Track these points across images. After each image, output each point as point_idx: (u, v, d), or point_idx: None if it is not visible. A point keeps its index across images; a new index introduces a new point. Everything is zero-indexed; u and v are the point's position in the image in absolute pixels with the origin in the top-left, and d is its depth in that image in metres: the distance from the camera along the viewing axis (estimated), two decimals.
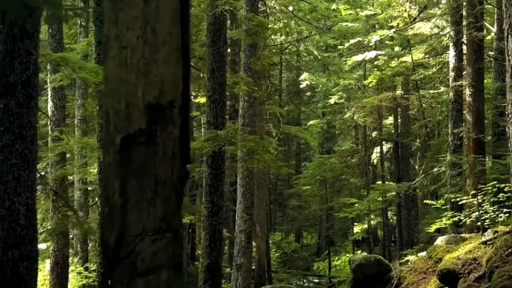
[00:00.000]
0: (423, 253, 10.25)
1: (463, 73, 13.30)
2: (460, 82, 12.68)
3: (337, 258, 27.68)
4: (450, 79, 13.04)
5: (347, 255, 27.13)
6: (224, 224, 20.68)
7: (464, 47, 13.16)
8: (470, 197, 9.79)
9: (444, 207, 10.61)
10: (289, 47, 25.04)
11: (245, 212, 13.69)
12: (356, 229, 24.87)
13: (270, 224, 32.94)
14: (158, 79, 2.20)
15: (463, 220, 10.11)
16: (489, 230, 7.30)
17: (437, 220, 10.37)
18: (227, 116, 21.40)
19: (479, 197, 9.82)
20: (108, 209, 2.24)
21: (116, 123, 2.21)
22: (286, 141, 35.06)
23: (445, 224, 9.57)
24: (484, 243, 6.49)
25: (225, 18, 8.65)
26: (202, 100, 14.85)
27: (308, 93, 34.91)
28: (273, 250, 28.88)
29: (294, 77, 31.84)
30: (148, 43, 2.19)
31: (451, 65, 12.97)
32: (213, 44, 8.60)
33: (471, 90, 12.32)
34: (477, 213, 10.02)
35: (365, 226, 23.91)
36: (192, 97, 11.11)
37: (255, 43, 13.70)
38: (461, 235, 9.61)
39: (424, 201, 12.68)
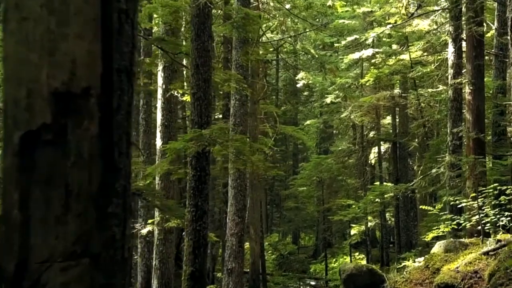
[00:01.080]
0: (421, 259, 9.76)
1: (463, 71, 12.81)
2: (460, 80, 12.18)
3: (334, 260, 27.20)
4: (449, 77, 12.54)
5: (345, 257, 26.67)
6: (215, 227, 20.27)
7: (464, 43, 12.67)
8: (470, 200, 9.29)
9: (443, 213, 10.10)
10: (286, 45, 24.59)
11: (237, 215, 13.18)
12: (354, 231, 24.36)
13: (267, 226, 32.50)
14: (68, 59, 1.70)
15: (463, 224, 9.61)
16: (491, 239, 6.79)
17: (434, 228, 9.87)
18: (220, 116, 21.02)
19: (479, 200, 9.34)
20: (5, 228, 1.74)
21: (15, 116, 1.71)
22: (283, 141, 34.63)
23: (443, 232, 9.06)
24: (486, 253, 5.99)
25: (210, 10, 8.14)
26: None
27: (306, 93, 34.49)
28: (269, 252, 28.40)
29: (291, 76, 31.36)
30: (55, 12, 1.69)
31: (450, 62, 12.47)
32: (197, 38, 8.10)
33: (471, 88, 11.82)
34: (477, 216, 9.54)
35: (363, 228, 23.42)
36: (179, 95, 10.62)
37: (247, 40, 13.21)
38: (461, 240, 9.12)
39: (420, 207, 12.17)
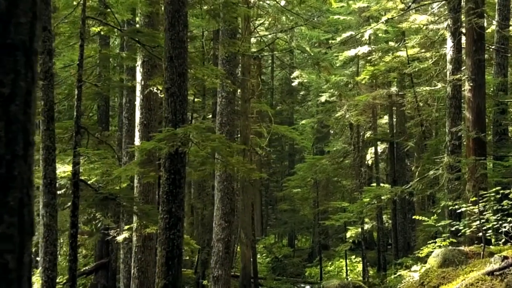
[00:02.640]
0: (417, 268, 9.05)
1: (462, 68, 12.10)
2: (459, 76, 11.47)
3: (330, 263, 26.50)
4: (448, 73, 11.82)
5: (341, 260, 25.97)
6: (206, 230, 19.57)
7: (463, 38, 11.96)
8: (470, 204, 8.58)
9: (439, 224, 9.38)
10: (281, 42, 23.90)
11: (223, 219, 12.47)
12: (350, 233, 23.62)
13: (262, 228, 31.78)
14: None
15: (463, 231, 8.90)
16: (496, 256, 6.05)
17: (430, 242, 9.16)
18: (209, 116, 20.33)
19: (480, 204, 8.63)
20: None
21: None
22: (280, 141, 33.91)
23: (439, 246, 8.33)
24: (491, 273, 5.27)
25: None
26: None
27: (302, 92, 33.80)
28: (263, 255, 27.69)
29: (287, 75, 30.68)
30: None
31: (448, 57, 11.75)
32: (171, 27, 7.38)
33: (471, 84, 11.10)
34: (478, 222, 8.83)
35: (360, 230, 22.72)
36: (159, 92, 9.89)
37: (234, 33, 12.51)
38: (460, 248, 8.40)
39: (414, 217, 11.45)
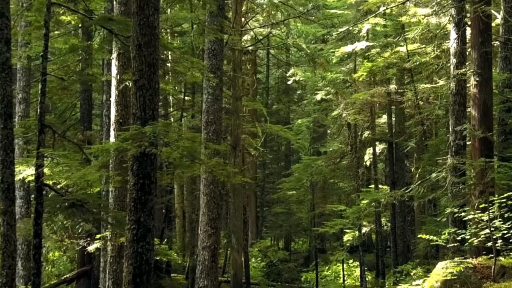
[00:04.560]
0: (419, 282, 8.15)
1: (466, 63, 11.19)
2: (464, 70, 10.56)
3: (327, 268, 25.59)
4: (451, 67, 10.90)
5: (338, 264, 25.04)
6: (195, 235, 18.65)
7: (468, 29, 11.05)
8: (478, 212, 7.69)
9: (442, 242, 8.49)
10: (276, 39, 23.00)
11: (209, 225, 11.56)
12: (347, 236, 22.71)
13: (257, 231, 30.81)
14: None
15: (469, 241, 8.01)
16: None
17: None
18: (198, 114, 19.41)
19: (490, 211, 7.75)
20: None
21: None
22: (276, 141, 32.98)
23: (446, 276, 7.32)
24: None
25: None
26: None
27: (299, 92, 32.92)
28: (258, 259, 26.75)
29: (283, 74, 29.81)
30: None
31: (452, 50, 10.83)
32: (140, 11, 6.47)
33: (477, 79, 10.19)
34: (487, 231, 7.95)
35: (357, 233, 21.81)
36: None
37: (221, 25, 11.60)
38: (468, 261, 7.51)
39: (419, 236, 10.54)
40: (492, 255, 7.93)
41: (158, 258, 11.31)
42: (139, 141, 6.06)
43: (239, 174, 17.09)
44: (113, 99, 9.55)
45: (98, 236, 9.37)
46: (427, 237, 8.60)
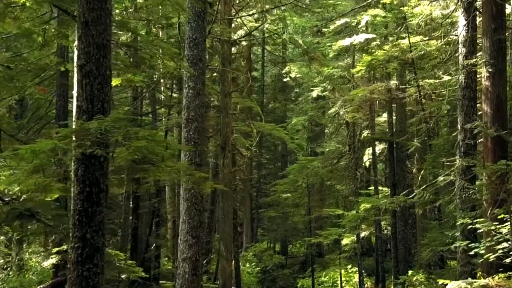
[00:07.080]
0: None
1: (477, 54, 10.03)
2: (474, 60, 9.39)
3: (324, 274, 24.41)
4: (460, 57, 9.73)
5: (336, 270, 23.89)
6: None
7: (478, 16, 9.88)
8: (497, 223, 6.51)
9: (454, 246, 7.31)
10: (273, 37, 21.89)
11: (190, 234, 10.37)
12: (346, 241, 21.55)
13: (252, 234, 29.63)
14: None
15: (485, 257, 6.84)
16: None
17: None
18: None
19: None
20: None
21: None
22: (273, 141, 31.82)
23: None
24: None
25: None
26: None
27: (296, 90, 31.81)
28: (253, 264, 25.58)
29: (280, 71, 28.66)
30: None
31: (461, 38, 9.65)
32: None
33: (490, 70, 9.02)
34: (505, 244, 6.78)
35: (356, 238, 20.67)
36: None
37: (204, 11, 10.43)
38: (483, 282, 6.35)
39: (417, 245, 9.40)
40: (511, 273, 6.78)
41: (123, 276, 10.19)
42: (83, 140, 4.88)
43: (228, 176, 15.97)
44: (75, 91, 8.36)
45: (54, 250, 8.21)
46: (429, 250, 7.42)
